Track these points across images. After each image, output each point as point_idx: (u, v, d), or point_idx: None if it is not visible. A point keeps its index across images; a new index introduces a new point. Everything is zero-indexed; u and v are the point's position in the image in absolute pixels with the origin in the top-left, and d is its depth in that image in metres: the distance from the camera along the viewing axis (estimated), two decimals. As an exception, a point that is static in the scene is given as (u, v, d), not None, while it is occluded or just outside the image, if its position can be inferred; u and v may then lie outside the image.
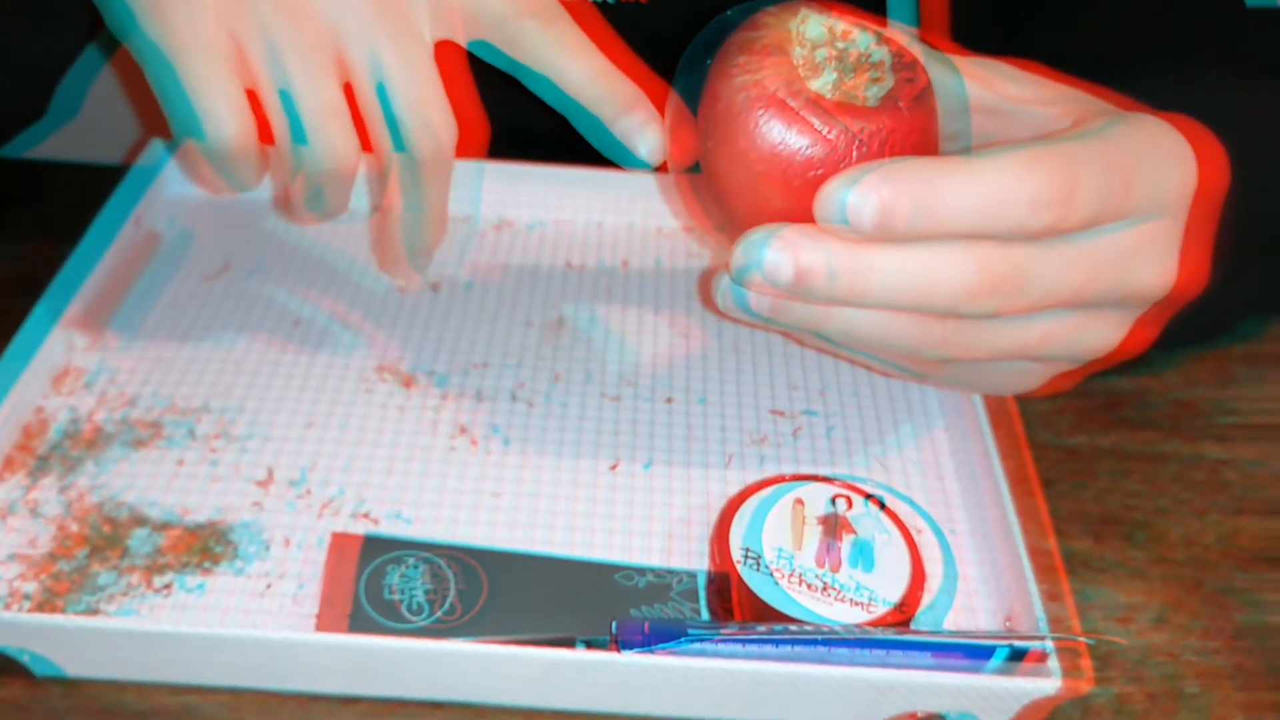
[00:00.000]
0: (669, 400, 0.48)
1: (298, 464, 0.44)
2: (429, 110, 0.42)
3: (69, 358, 0.47)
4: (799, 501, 0.41)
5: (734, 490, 0.44)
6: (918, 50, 0.39)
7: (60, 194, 0.58)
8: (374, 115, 0.42)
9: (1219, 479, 0.47)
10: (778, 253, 0.35)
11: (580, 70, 0.43)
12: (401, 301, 0.52)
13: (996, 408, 0.46)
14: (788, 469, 0.45)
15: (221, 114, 0.41)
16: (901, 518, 0.40)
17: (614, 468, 0.45)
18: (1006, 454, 0.44)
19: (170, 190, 0.57)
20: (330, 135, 0.41)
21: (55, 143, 0.62)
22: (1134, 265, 0.37)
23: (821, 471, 0.45)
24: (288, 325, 0.50)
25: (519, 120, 0.65)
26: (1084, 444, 0.48)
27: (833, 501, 0.41)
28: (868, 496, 0.41)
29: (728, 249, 0.37)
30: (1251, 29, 0.53)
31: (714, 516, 0.43)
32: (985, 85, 0.40)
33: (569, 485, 0.44)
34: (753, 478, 0.44)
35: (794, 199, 0.36)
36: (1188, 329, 0.42)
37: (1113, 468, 0.47)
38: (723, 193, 0.39)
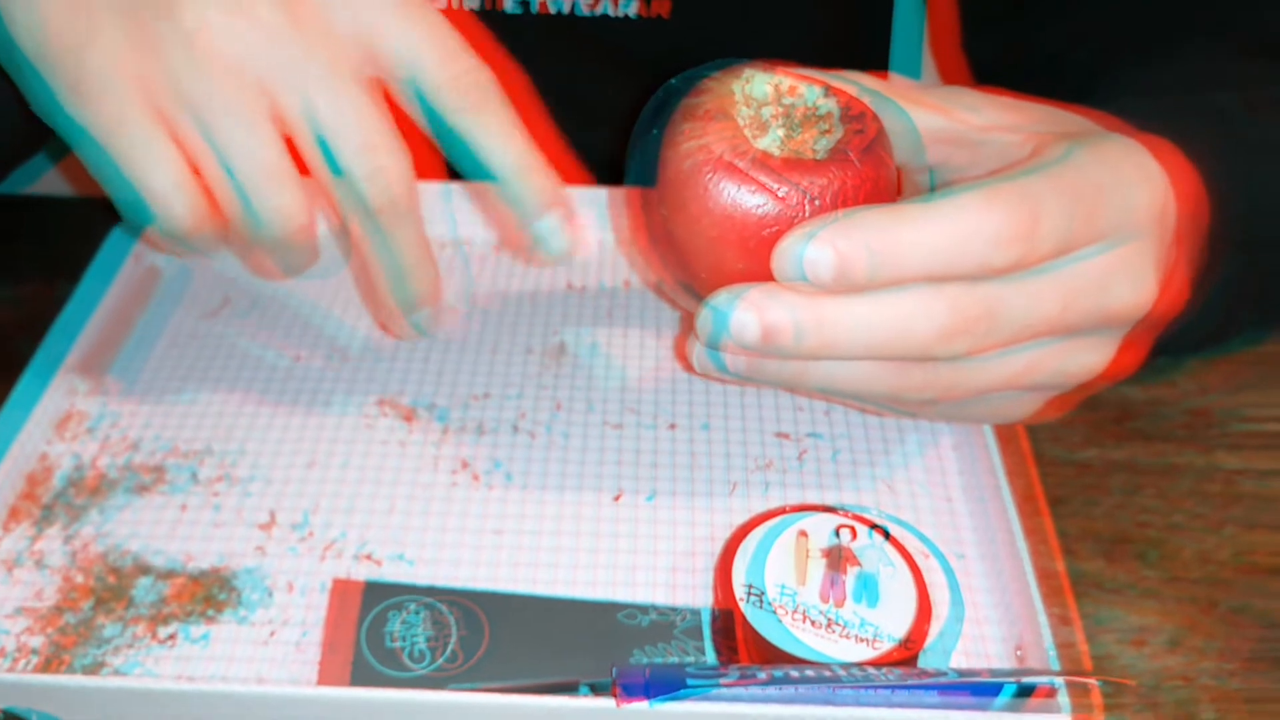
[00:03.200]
0: (672, 426, 0.47)
1: (300, 506, 0.44)
2: (374, 155, 0.40)
3: (71, 402, 0.47)
4: (803, 533, 0.40)
5: (739, 519, 0.43)
6: (867, 98, 0.39)
7: (57, 230, 0.58)
8: (319, 168, 0.40)
9: (1234, 491, 0.46)
10: (742, 314, 0.35)
11: (504, 162, 0.41)
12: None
13: (1004, 426, 0.45)
14: (793, 495, 0.45)
15: (166, 194, 0.39)
16: (907, 547, 0.40)
17: (617, 499, 0.44)
18: (1014, 473, 0.43)
19: (170, 223, 0.56)
20: (273, 198, 0.39)
21: (51, 179, 0.62)
22: (1111, 288, 0.36)
23: (827, 498, 0.44)
24: (288, 361, 0.50)
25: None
26: (1096, 458, 0.47)
27: (837, 533, 0.40)
28: (872, 526, 0.40)
29: (696, 311, 0.36)
30: (1254, 11, 0.52)
31: (718, 548, 0.42)
32: (946, 116, 0.40)
33: (571, 520, 0.43)
34: (758, 505, 0.44)
35: (752, 258, 0.36)
36: (1195, 335, 0.41)
37: (1125, 483, 0.46)
38: (683, 257, 0.38)
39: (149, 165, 0.39)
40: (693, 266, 0.38)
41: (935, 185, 0.42)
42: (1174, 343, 0.40)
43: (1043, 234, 0.34)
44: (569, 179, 0.43)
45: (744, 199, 0.36)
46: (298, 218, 0.40)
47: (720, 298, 0.35)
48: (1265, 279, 0.45)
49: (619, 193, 0.56)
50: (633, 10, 0.60)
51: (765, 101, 0.38)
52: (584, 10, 0.60)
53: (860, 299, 0.34)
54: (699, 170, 0.37)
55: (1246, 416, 0.49)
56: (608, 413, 0.48)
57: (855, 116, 0.38)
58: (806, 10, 0.63)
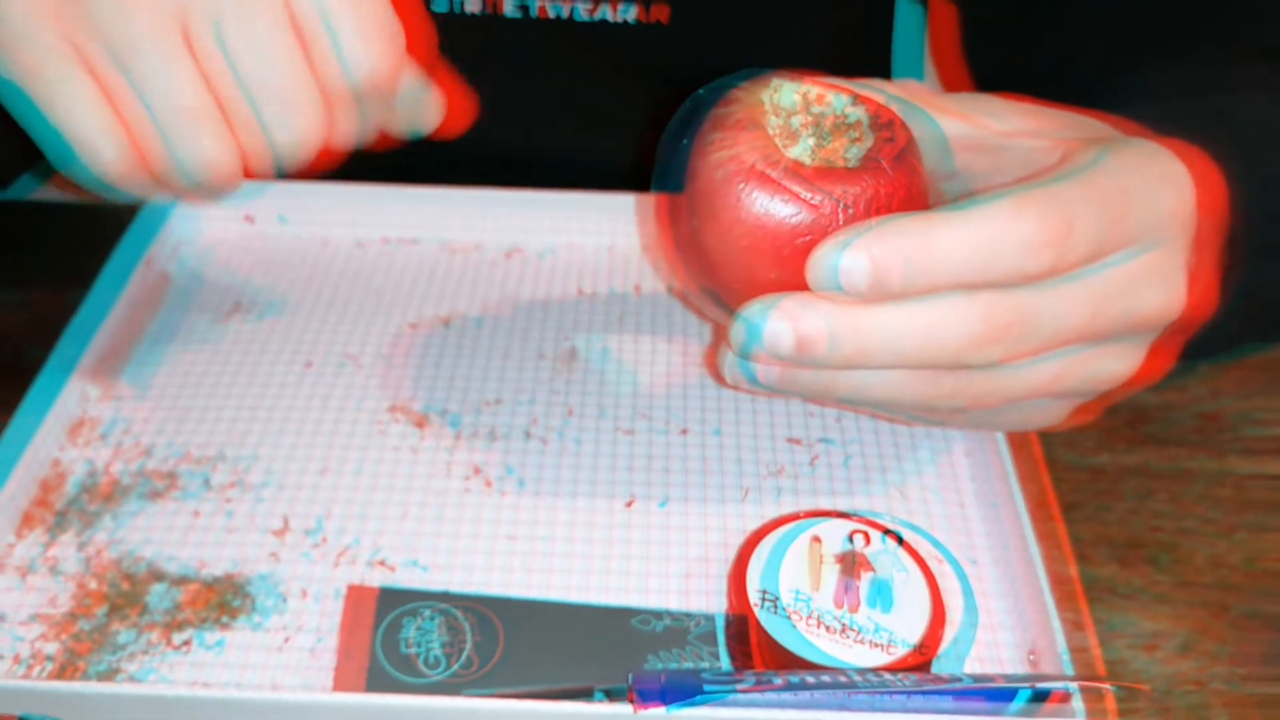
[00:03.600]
0: (684, 431, 0.47)
1: (313, 512, 0.44)
2: (284, 103, 0.38)
3: (84, 408, 0.48)
4: (816, 539, 0.40)
5: (752, 525, 0.43)
6: (895, 106, 0.39)
7: (66, 237, 0.58)
8: (234, 104, 0.37)
9: (1245, 496, 0.46)
10: (777, 323, 0.34)
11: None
12: (413, 338, 0.51)
13: (1016, 432, 0.45)
14: (805, 501, 0.45)
15: (92, 140, 0.37)
16: (921, 553, 0.40)
17: (630, 504, 0.44)
18: (1027, 478, 0.43)
19: (179, 230, 0.57)
20: (193, 142, 0.38)
21: (59, 184, 0.63)
22: (1140, 294, 0.36)
23: (839, 504, 0.45)
24: (299, 367, 0.50)
25: (522, 146, 0.64)
26: (1108, 463, 0.47)
27: (850, 538, 0.40)
28: (886, 532, 0.40)
29: (726, 323, 0.36)
30: (1254, 16, 0.52)
31: (731, 554, 0.42)
32: (971, 123, 0.40)
33: (585, 526, 0.43)
34: (770, 511, 0.44)
35: (785, 268, 0.36)
36: (1209, 341, 0.41)
37: (1138, 488, 0.46)
38: (714, 268, 0.38)
39: (72, 111, 0.38)
40: (723, 276, 0.38)
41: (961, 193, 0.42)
42: (1188, 350, 0.40)
43: (1075, 240, 0.34)
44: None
45: (777, 208, 0.36)
46: (220, 164, 0.39)
47: (753, 308, 0.35)
48: (1271, 285, 0.45)
49: (628, 199, 0.56)
50: (631, 16, 0.60)
51: (794, 110, 0.38)
52: (583, 15, 0.60)
53: (894, 307, 0.34)
54: (731, 180, 0.36)
55: (1258, 421, 0.49)
56: (619, 418, 0.48)
57: (884, 124, 0.38)
58: (806, 17, 0.63)
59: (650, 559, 0.42)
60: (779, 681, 0.34)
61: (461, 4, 0.60)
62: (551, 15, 0.60)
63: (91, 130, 0.38)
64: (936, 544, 0.42)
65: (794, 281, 0.35)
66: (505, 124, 0.64)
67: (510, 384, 0.49)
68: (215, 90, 0.38)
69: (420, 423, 0.47)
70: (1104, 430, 0.48)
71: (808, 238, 0.36)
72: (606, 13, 0.60)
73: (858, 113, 0.38)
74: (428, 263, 0.56)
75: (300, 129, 0.38)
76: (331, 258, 0.56)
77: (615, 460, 0.46)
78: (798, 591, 0.38)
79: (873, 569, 0.39)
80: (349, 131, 0.39)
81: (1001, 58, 0.61)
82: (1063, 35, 0.57)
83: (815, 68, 0.59)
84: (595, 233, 0.57)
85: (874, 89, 0.39)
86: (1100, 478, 0.47)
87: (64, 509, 0.44)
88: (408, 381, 0.49)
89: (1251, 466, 0.47)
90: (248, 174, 0.40)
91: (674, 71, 0.62)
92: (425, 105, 0.41)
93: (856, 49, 0.69)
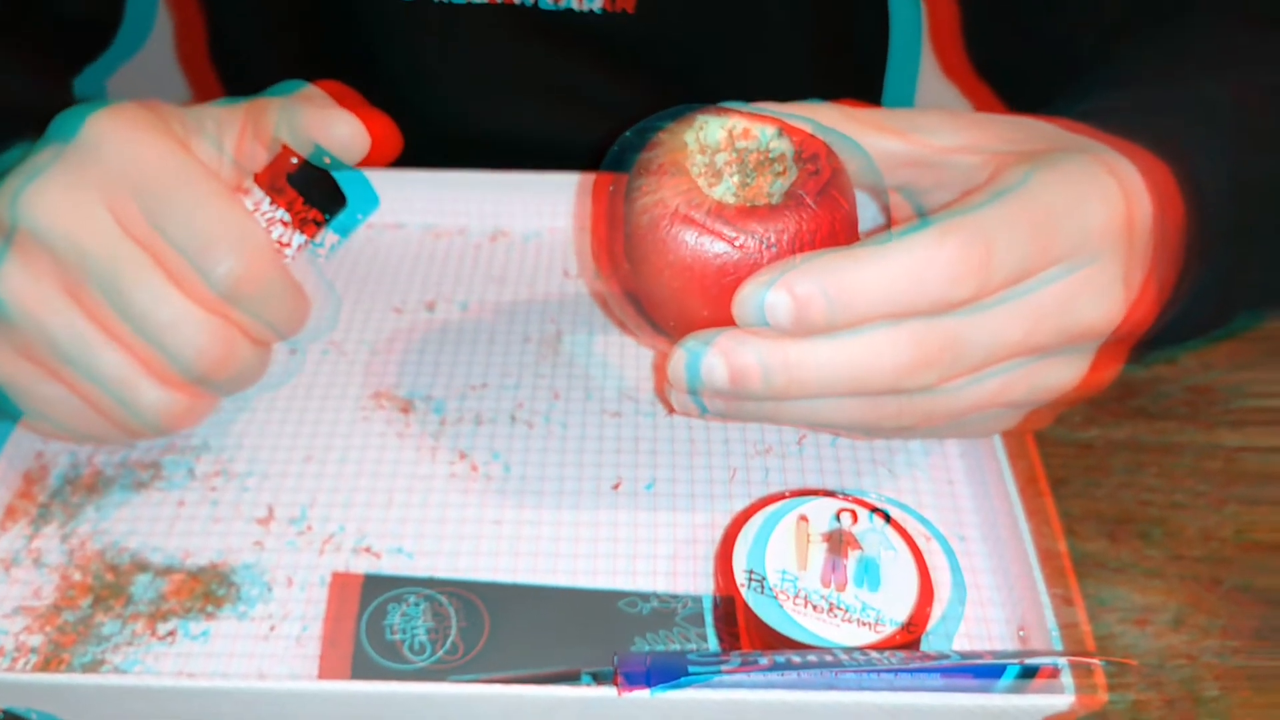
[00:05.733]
0: (671, 413, 0.47)
1: (298, 500, 0.43)
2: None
3: (67, 400, 0.47)
4: (803, 518, 0.40)
5: (739, 505, 0.43)
6: (824, 135, 0.39)
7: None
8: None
9: (1236, 468, 0.46)
10: (711, 359, 0.36)
11: None
12: (397, 323, 0.51)
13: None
14: (793, 480, 0.44)
15: (60, 433, 0.42)
16: (909, 530, 0.40)
17: (616, 487, 0.44)
18: (1015, 454, 0.43)
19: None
20: (138, 402, 0.40)
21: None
22: (1076, 309, 0.36)
23: (828, 484, 0.44)
24: (283, 355, 0.49)
25: (507, 130, 0.64)
26: (1097, 438, 0.47)
27: (837, 517, 0.40)
28: (873, 510, 0.40)
29: (669, 356, 0.37)
30: None
31: (718, 534, 0.42)
32: (909, 141, 0.40)
33: (571, 510, 0.43)
34: (757, 491, 0.44)
35: (716, 305, 0.37)
36: (1195, 324, 0.41)
37: (1127, 461, 0.46)
38: (652, 307, 0.39)
39: (38, 414, 0.41)
40: (661, 314, 0.39)
41: (915, 208, 0.42)
42: (1173, 333, 0.40)
43: (996, 265, 0.35)
44: None
45: (703, 249, 0.37)
46: (173, 409, 0.40)
47: (690, 344, 0.36)
48: (1264, 264, 0.44)
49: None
50: (597, 5, 0.60)
51: (719, 147, 0.39)
52: (549, 4, 0.60)
53: (824, 340, 0.35)
54: (657, 224, 0.37)
55: (1248, 393, 0.49)
56: (606, 401, 0.48)
57: (809, 158, 0.38)
58: (780, 6, 0.62)
59: (637, 541, 0.42)
60: (764, 662, 0.34)
61: None
62: (517, 2, 0.60)
63: (57, 426, 0.41)
64: (924, 521, 0.42)
65: (727, 318, 0.36)
66: (475, 108, 0.63)
67: (496, 368, 0.49)
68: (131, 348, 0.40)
69: (405, 409, 0.47)
70: (1092, 404, 0.48)
71: (734, 276, 0.37)
72: (572, 2, 0.59)
73: (782, 145, 0.39)
74: (412, 247, 0.56)
75: (203, 345, 0.39)
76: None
77: (602, 443, 0.46)
78: (784, 571, 0.38)
79: (860, 548, 0.39)
80: (250, 326, 0.40)
81: (1001, 42, 0.61)
82: (1062, 16, 0.56)
83: (793, 56, 0.59)
84: (581, 215, 0.57)
85: (804, 118, 0.40)
86: (1089, 452, 0.46)
87: (47, 501, 0.44)
88: (392, 367, 0.49)
89: (1242, 439, 0.47)
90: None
91: (646, 57, 0.62)
92: (289, 303, 0.42)
93: (844, 37, 0.68)
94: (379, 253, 0.55)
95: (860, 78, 0.73)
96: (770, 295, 0.34)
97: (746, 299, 0.35)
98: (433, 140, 0.55)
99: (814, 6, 0.63)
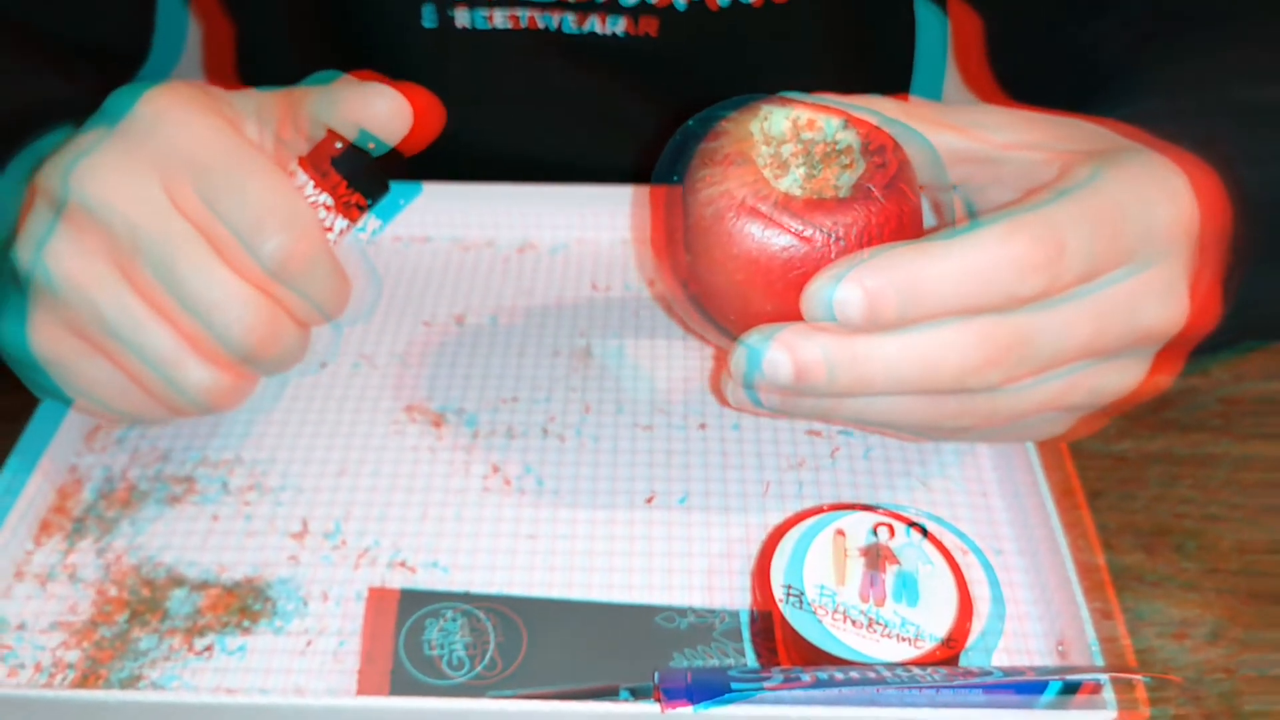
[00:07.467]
0: (702, 426, 0.47)
1: (332, 515, 0.43)
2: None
3: (99, 414, 0.47)
4: (840, 533, 0.40)
5: (774, 520, 0.43)
6: (889, 127, 0.39)
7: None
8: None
9: (1271, 479, 0.46)
10: (775, 354, 0.35)
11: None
12: (427, 337, 0.51)
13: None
14: (827, 494, 0.44)
15: (107, 412, 0.42)
16: (945, 544, 0.40)
17: (650, 501, 0.44)
18: (1051, 467, 0.43)
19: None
20: (184, 380, 0.40)
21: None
22: (1141, 310, 0.36)
23: (862, 497, 0.44)
24: (315, 369, 0.49)
25: (531, 152, 0.64)
26: (1131, 450, 0.47)
27: (874, 531, 0.40)
28: (910, 524, 0.40)
29: (728, 349, 0.37)
30: None
31: (754, 549, 0.42)
32: (969, 137, 0.40)
33: (605, 524, 0.43)
34: (792, 506, 0.44)
35: (780, 300, 0.36)
36: (1227, 338, 0.40)
37: (1162, 474, 0.46)
38: (711, 301, 0.39)
39: (83, 392, 0.41)
40: (722, 307, 0.38)
41: (966, 206, 0.42)
42: (1212, 342, 0.40)
43: (1068, 262, 0.34)
44: None
45: (769, 242, 0.36)
46: (218, 388, 0.41)
47: (752, 337, 0.36)
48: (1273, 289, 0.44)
49: (641, 192, 0.56)
50: (620, 29, 0.60)
51: (784, 139, 0.38)
52: (572, 28, 0.60)
53: (892, 336, 0.34)
54: (722, 216, 0.37)
55: (1281, 404, 0.49)
56: (637, 414, 0.48)
57: (876, 150, 0.38)
58: (804, 28, 0.62)
59: (672, 555, 0.42)
60: (807, 679, 0.34)
61: (451, 19, 0.60)
62: (540, 27, 0.60)
63: (100, 405, 0.42)
64: (961, 535, 0.42)
65: (791, 313, 0.36)
66: (499, 131, 0.63)
67: (526, 381, 0.49)
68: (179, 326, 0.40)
69: (437, 422, 0.47)
70: (1126, 417, 0.48)
71: (801, 270, 0.36)
72: (595, 25, 0.59)
73: (848, 138, 0.38)
74: (440, 260, 0.56)
75: (250, 323, 0.40)
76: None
77: (634, 456, 0.46)
78: (822, 586, 0.38)
79: (898, 562, 0.39)
80: (296, 305, 0.41)
81: (1026, 55, 0.61)
82: (1089, 26, 0.56)
83: (817, 76, 0.59)
84: (608, 227, 0.57)
85: (868, 110, 0.39)
86: (1124, 465, 0.46)
87: (82, 515, 0.44)
88: (423, 381, 0.49)
89: (1276, 450, 0.47)
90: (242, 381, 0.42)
91: (671, 80, 0.62)
92: (334, 283, 0.42)
93: (868, 55, 0.68)
94: (407, 266, 0.55)
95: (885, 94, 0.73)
96: (841, 291, 0.34)
97: (816, 294, 0.34)
98: (457, 162, 0.55)
99: (839, 27, 0.63)
